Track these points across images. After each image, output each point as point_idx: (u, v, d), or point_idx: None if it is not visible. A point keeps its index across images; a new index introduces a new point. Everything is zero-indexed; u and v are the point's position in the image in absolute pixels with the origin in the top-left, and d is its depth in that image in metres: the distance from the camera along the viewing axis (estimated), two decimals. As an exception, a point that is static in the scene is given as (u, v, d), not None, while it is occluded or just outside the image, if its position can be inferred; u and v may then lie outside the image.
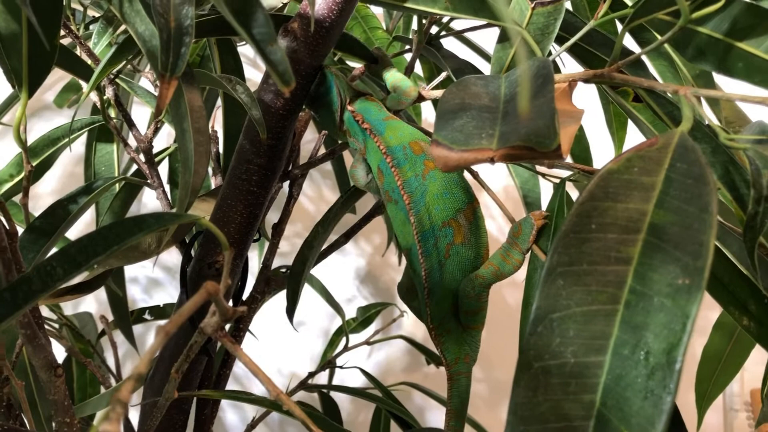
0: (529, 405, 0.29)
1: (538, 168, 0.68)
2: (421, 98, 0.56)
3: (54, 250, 0.58)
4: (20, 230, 0.57)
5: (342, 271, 1.21)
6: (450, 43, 0.67)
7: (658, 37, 0.46)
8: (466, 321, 0.53)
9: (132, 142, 0.69)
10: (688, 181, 0.30)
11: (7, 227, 0.45)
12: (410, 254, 0.52)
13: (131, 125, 0.61)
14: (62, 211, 0.55)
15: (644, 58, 0.44)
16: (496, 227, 1.24)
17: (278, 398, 0.39)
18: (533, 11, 0.52)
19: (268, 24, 0.36)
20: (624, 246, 0.30)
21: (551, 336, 0.29)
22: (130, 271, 1.13)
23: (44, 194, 1.13)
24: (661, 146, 0.31)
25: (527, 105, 0.28)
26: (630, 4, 0.51)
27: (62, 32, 0.61)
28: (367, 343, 0.88)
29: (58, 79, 1.01)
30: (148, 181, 0.62)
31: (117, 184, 0.68)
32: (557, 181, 0.59)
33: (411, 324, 1.19)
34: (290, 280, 0.59)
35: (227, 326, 0.63)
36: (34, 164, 0.69)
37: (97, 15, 0.71)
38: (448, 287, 0.51)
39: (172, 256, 1.16)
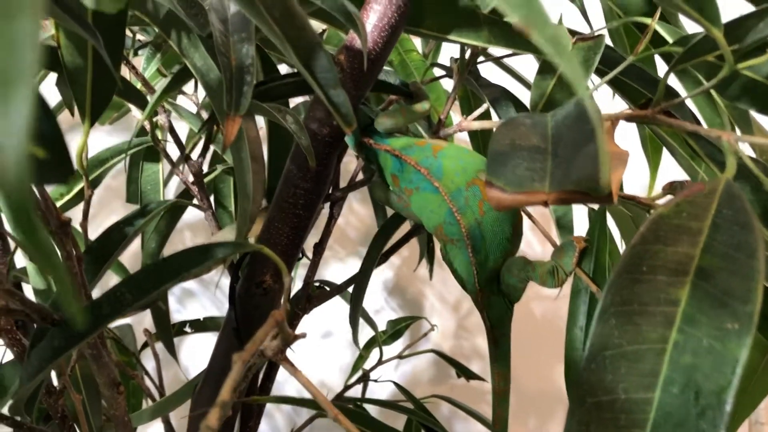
0: (583, 438, 0.30)
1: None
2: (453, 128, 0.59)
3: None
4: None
5: (370, 284, 1.23)
6: (485, 66, 0.69)
7: (697, 74, 0.48)
8: (505, 290, 0.55)
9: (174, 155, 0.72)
10: (734, 228, 0.31)
11: (74, 252, 0.48)
12: (445, 226, 0.53)
13: (184, 153, 0.64)
14: (118, 234, 0.58)
15: (683, 92, 0.46)
16: (524, 243, 1.26)
17: (336, 418, 0.41)
18: (574, 45, 0.53)
19: (332, 68, 0.38)
20: (673, 288, 0.31)
21: (604, 373, 0.31)
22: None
23: (81, 208, 1.16)
24: (708, 192, 0.33)
25: (608, 179, 0.29)
26: (670, 40, 0.53)
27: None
28: (400, 357, 0.90)
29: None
30: (196, 202, 0.65)
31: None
32: (590, 205, 0.61)
33: (439, 337, 1.20)
34: (351, 305, 0.67)
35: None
36: (82, 185, 0.72)
37: (144, 39, 0.74)
38: (491, 243, 0.53)
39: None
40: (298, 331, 0.84)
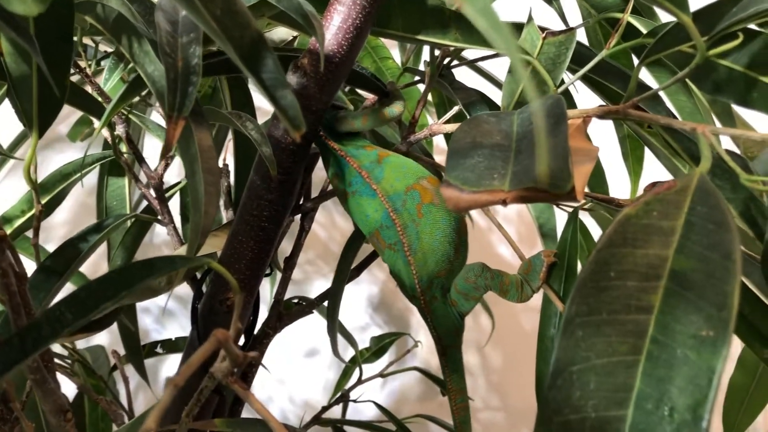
0: (549, 462, 0.27)
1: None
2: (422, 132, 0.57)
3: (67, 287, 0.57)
4: (32, 265, 0.57)
5: (355, 299, 1.20)
6: (462, 71, 0.67)
7: (674, 67, 0.45)
8: (455, 297, 0.53)
9: (143, 177, 0.69)
10: (709, 226, 0.29)
11: (17, 270, 0.45)
12: (382, 230, 0.52)
13: (141, 161, 0.61)
14: (72, 250, 0.55)
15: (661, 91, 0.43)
16: (510, 252, 1.22)
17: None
18: (544, 41, 0.51)
19: (278, 69, 0.35)
20: (645, 294, 0.29)
21: (571, 389, 0.28)
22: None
23: (57, 225, 1.13)
24: (680, 189, 0.30)
25: (546, 170, 0.27)
26: (644, 31, 0.51)
27: (72, 69, 0.61)
28: (381, 375, 0.87)
29: (71, 111, 1.02)
30: (159, 217, 0.62)
31: (128, 220, 0.68)
32: (571, 210, 0.58)
33: (426, 352, 1.17)
34: (328, 317, 0.65)
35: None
36: (45, 200, 0.69)
37: (108, 50, 0.72)
38: (430, 245, 0.51)
39: (184, 286, 1.16)
40: (274, 349, 0.81)
